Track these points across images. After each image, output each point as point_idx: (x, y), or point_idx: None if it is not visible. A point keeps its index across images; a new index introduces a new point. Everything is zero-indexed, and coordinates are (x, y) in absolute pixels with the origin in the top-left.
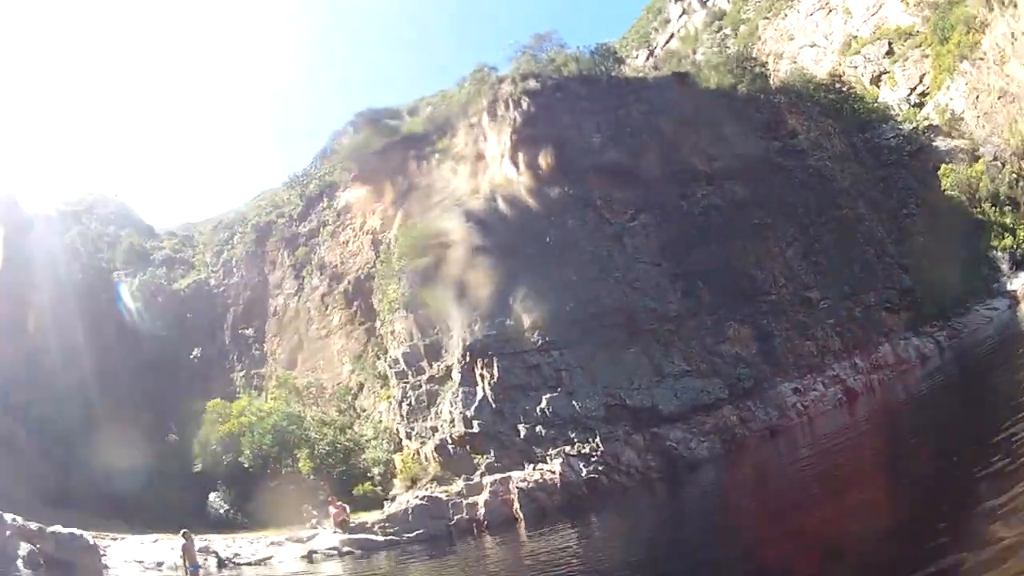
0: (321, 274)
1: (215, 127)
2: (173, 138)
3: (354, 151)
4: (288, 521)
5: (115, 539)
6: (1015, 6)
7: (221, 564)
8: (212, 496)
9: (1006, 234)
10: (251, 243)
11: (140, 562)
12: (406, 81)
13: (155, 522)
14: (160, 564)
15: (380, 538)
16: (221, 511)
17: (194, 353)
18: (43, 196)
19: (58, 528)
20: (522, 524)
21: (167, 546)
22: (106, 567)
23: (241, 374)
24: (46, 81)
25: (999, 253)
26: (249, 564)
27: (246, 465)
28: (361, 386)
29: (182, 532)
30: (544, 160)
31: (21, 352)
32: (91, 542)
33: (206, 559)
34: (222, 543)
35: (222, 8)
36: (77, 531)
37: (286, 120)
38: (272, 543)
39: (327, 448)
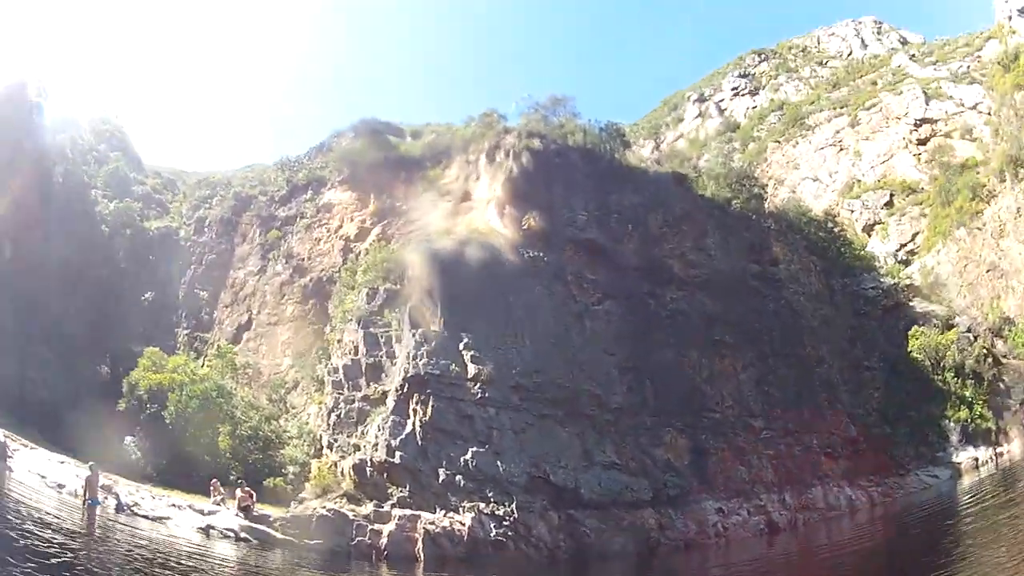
0: (287, 262)
1: (228, 88)
2: (189, 83)
3: (348, 155)
4: (194, 488)
5: (26, 446)
6: None
7: (119, 508)
8: (128, 439)
9: (963, 406)
10: (228, 209)
11: (43, 477)
12: (418, 104)
13: (68, 444)
14: (61, 487)
15: (278, 535)
16: (133, 457)
17: (146, 296)
18: (48, 89)
19: None
20: (421, 565)
21: (72, 472)
22: (10, 469)
23: (186, 332)
24: None
25: (951, 424)
26: (146, 517)
27: (167, 421)
28: (297, 383)
29: (89, 464)
30: (528, 221)
31: None
32: (1, 439)
33: (106, 498)
34: (126, 488)
35: None
36: None
37: (298, 104)
38: (173, 505)
39: (249, 432)
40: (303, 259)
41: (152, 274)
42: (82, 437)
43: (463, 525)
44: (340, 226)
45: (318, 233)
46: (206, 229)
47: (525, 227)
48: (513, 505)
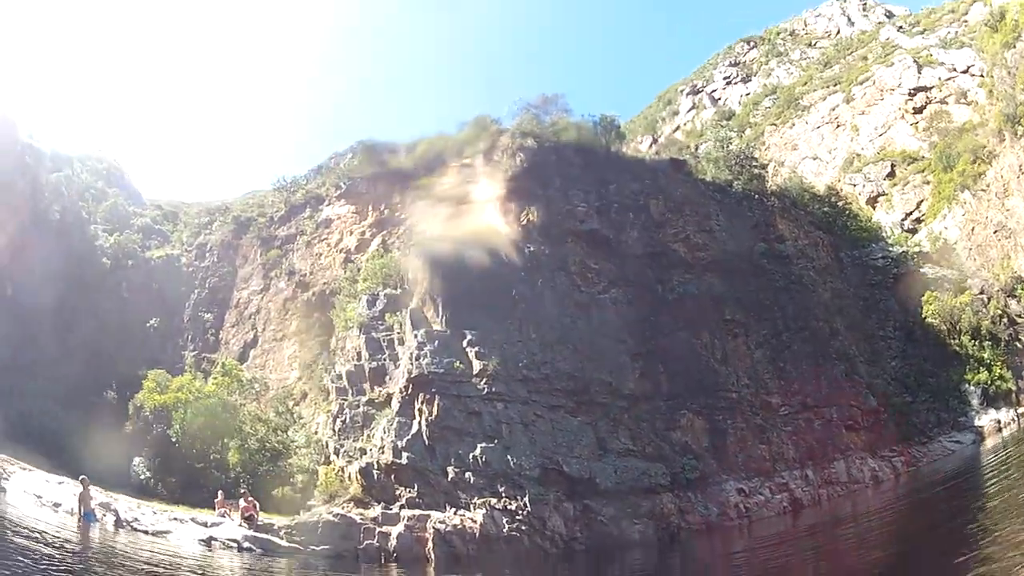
0: (289, 279)
1: (227, 118)
2: (187, 119)
3: (345, 171)
4: (205, 504)
5: (22, 468)
6: None
7: (119, 524)
8: (136, 460)
9: (982, 369)
10: (228, 233)
11: (39, 497)
12: (415, 120)
13: (78, 470)
14: (58, 505)
15: (283, 543)
16: (142, 477)
17: (151, 322)
18: (40, 129)
19: None
20: (432, 565)
21: (71, 490)
22: (3, 490)
23: (192, 354)
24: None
25: (971, 387)
26: (146, 532)
27: (173, 439)
28: (304, 395)
29: (80, 478)
30: (528, 215)
31: None
32: None
33: (105, 515)
34: (126, 504)
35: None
36: None
37: (297, 130)
38: (174, 519)
39: (257, 444)
40: (305, 275)
41: (156, 302)
42: (92, 462)
43: (474, 522)
44: (340, 240)
45: (318, 248)
46: (207, 254)
47: (524, 222)
48: (526, 499)
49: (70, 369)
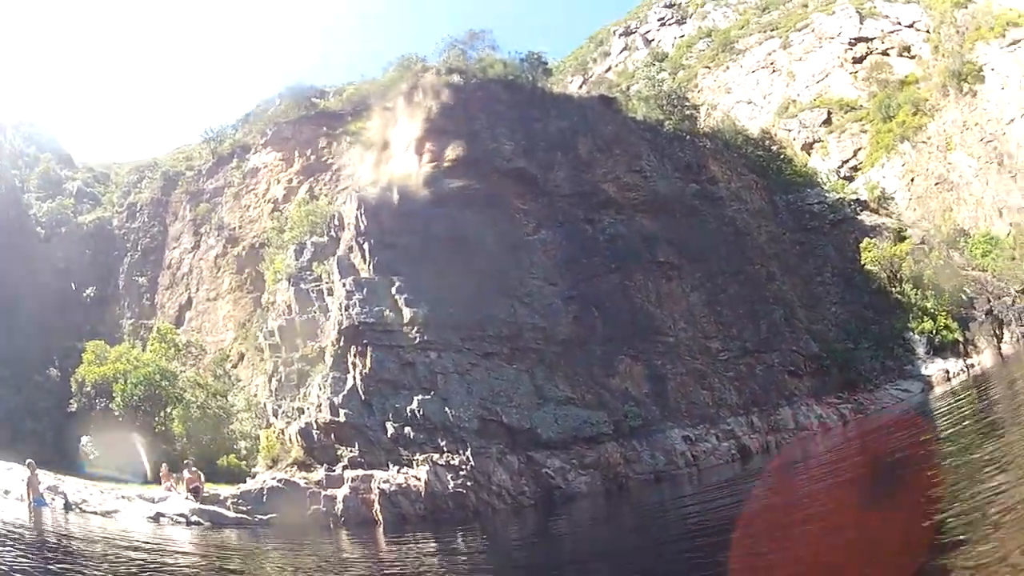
0: (218, 235)
1: (155, 71)
2: (115, 77)
3: (271, 117)
4: (155, 480)
5: None
6: (973, 95)
7: (68, 507)
8: (84, 440)
9: (926, 318)
10: (157, 190)
11: None
12: (348, 67)
13: (30, 455)
14: (7, 492)
15: (231, 514)
16: (91, 457)
17: (88, 292)
18: None
19: None
20: (381, 527)
21: (19, 476)
22: None
23: (130, 322)
24: None
25: (916, 336)
26: (95, 513)
27: (116, 413)
28: (242, 356)
29: (27, 463)
30: (451, 152)
31: None
32: None
33: (54, 498)
34: (73, 486)
35: None
36: None
37: (225, 80)
38: (122, 497)
39: (198, 412)
40: (234, 228)
41: (91, 269)
42: (42, 446)
43: (418, 480)
44: (267, 189)
45: (247, 200)
46: (137, 214)
47: (448, 163)
48: (468, 452)
49: (14, 348)
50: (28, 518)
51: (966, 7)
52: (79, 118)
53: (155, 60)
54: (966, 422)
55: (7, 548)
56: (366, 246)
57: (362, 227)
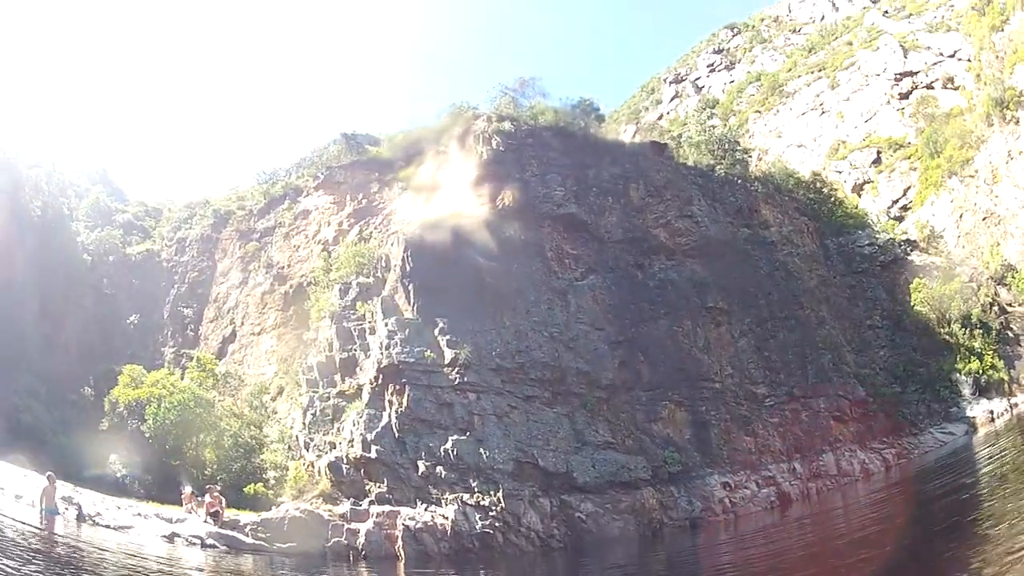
0: (267, 272)
1: (214, 115)
2: (173, 118)
3: (324, 161)
4: (179, 502)
5: None
6: (1016, 123)
7: (81, 518)
8: (112, 457)
9: (972, 358)
10: (207, 227)
11: (1, 488)
12: (401, 114)
13: (56, 468)
14: (19, 497)
15: (248, 540)
16: (118, 475)
17: (131, 319)
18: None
19: None
20: (402, 563)
21: (35, 484)
22: None
23: (172, 350)
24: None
25: (962, 377)
26: (108, 527)
27: (147, 435)
28: (281, 390)
29: (47, 475)
30: (501, 197)
31: None
32: None
33: (67, 508)
34: (89, 499)
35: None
36: None
37: (283, 126)
38: (138, 514)
39: (231, 440)
40: (283, 267)
41: (136, 298)
42: (70, 460)
43: (446, 519)
44: (318, 231)
45: (296, 240)
46: (187, 249)
47: (499, 206)
48: (499, 494)
49: (53, 366)
50: (39, 523)
51: (1002, 30)
52: (132, 155)
53: (212, 102)
54: (1006, 467)
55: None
56: (411, 287)
57: (407, 268)
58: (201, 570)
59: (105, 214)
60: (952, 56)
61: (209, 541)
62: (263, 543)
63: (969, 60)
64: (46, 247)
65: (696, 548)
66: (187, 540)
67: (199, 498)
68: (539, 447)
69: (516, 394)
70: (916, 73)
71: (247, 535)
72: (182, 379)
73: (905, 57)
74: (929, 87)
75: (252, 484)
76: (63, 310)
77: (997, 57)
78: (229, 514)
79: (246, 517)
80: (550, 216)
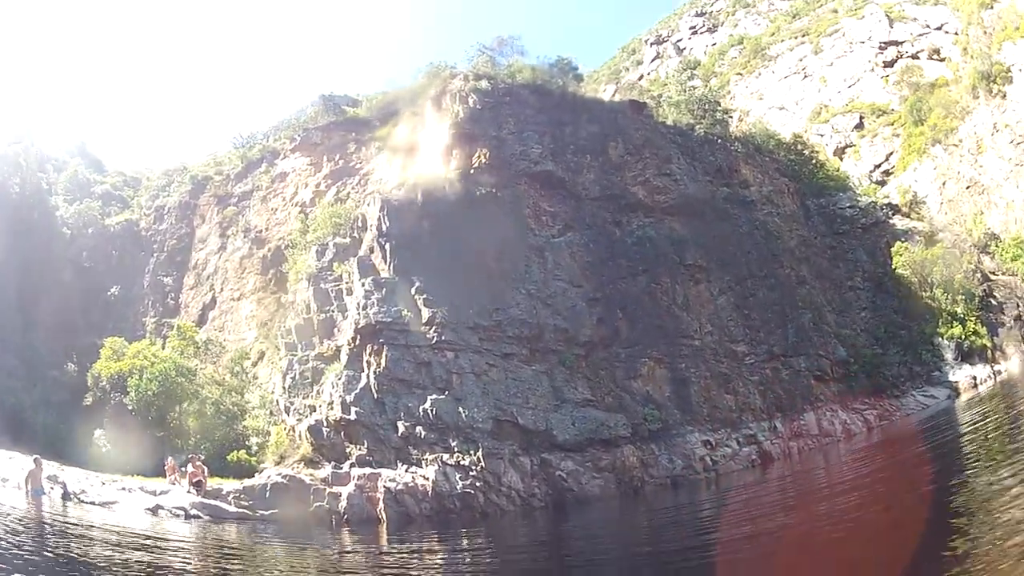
0: (245, 237)
1: (189, 80)
2: (148, 84)
3: (300, 122)
4: (164, 474)
5: None
6: (1003, 96)
7: (66, 496)
8: (97, 433)
9: (955, 323)
10: (186, 194)
11: None
12: (383, 78)
13: (41, 447)
14: (5, 480)
15: (232, 508)
16: (104, 450)
17: (112, 291)
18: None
19: None
20: (384, 526)
21: (20, 465)
22: None
23: (153, 320)
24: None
25: (945, 341)
26: (93, 503)
27: (130, 408)
28: (262, 354)
29: (33, 457)
30: (478, 156)
31: None
32: None
33: (52, 487)
34: (73, 476)
35: None
36: None
37: (258, 90)
38: (122, 488)
39: (213, 408)
40: (261, 231)
41: (116, 269)
42: (55, 438)
43: (426, 480)
44: (295, 193)
45: (274, 203)
46: (165, 216)
47: (475, 165)
48: (479, 453)
49: (35, 341)
50: (25, 504)
51: (991, 7)
52: (110, 125)
53: (189, 68)
54: (989, 431)
55: None
56: (387, 247)
57: (384, 228)
58: (183, 543)
59: (84, 186)
60: (939, 29)
61: (192, 512)
62: (246, 511)
63: (956, 33)
64: (24, 224)
65: (678, 506)
66: (171, 512)
67: (182, 468)
68: (518, 405)
69: (494, 352)
70: (901, 43)
71: (230, 504)
72: (163, 349)
73: (891, 27)
74: (914, 57)
75: (235, 451)
76: (41, 286)
77: (985, 33)
78: (212, 483)
79: (229, 485)
80: (527, 173)
